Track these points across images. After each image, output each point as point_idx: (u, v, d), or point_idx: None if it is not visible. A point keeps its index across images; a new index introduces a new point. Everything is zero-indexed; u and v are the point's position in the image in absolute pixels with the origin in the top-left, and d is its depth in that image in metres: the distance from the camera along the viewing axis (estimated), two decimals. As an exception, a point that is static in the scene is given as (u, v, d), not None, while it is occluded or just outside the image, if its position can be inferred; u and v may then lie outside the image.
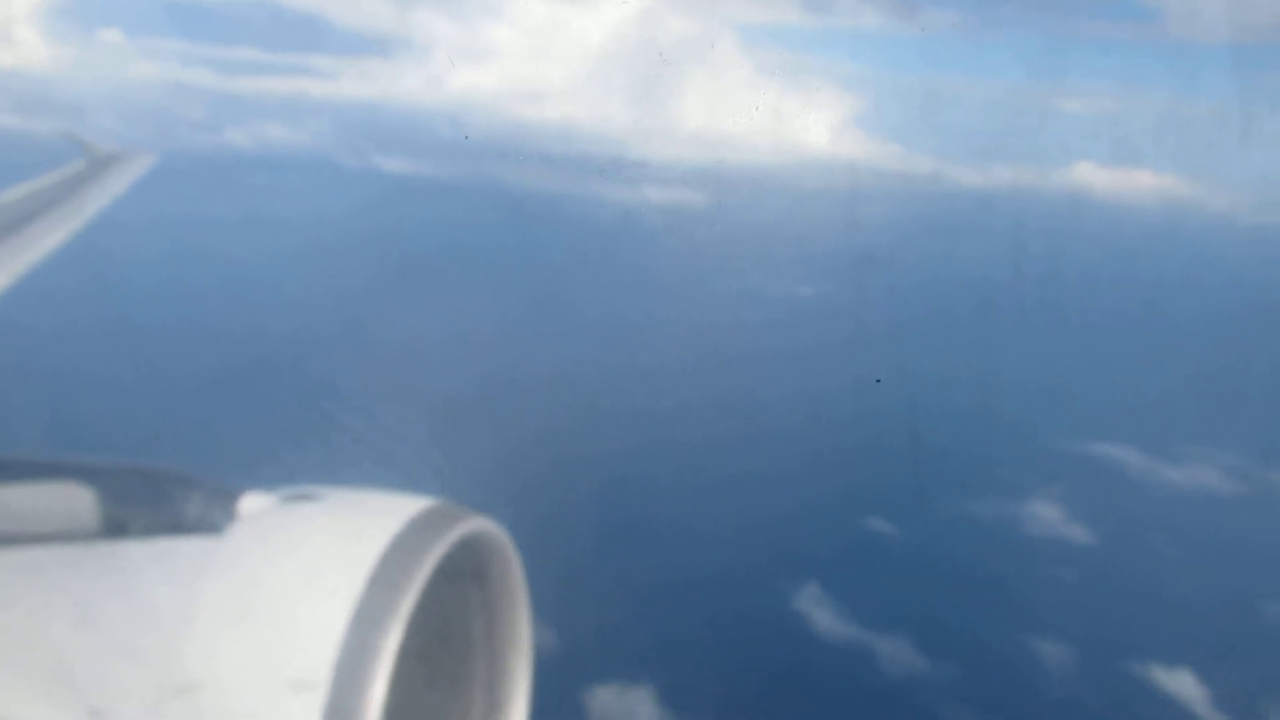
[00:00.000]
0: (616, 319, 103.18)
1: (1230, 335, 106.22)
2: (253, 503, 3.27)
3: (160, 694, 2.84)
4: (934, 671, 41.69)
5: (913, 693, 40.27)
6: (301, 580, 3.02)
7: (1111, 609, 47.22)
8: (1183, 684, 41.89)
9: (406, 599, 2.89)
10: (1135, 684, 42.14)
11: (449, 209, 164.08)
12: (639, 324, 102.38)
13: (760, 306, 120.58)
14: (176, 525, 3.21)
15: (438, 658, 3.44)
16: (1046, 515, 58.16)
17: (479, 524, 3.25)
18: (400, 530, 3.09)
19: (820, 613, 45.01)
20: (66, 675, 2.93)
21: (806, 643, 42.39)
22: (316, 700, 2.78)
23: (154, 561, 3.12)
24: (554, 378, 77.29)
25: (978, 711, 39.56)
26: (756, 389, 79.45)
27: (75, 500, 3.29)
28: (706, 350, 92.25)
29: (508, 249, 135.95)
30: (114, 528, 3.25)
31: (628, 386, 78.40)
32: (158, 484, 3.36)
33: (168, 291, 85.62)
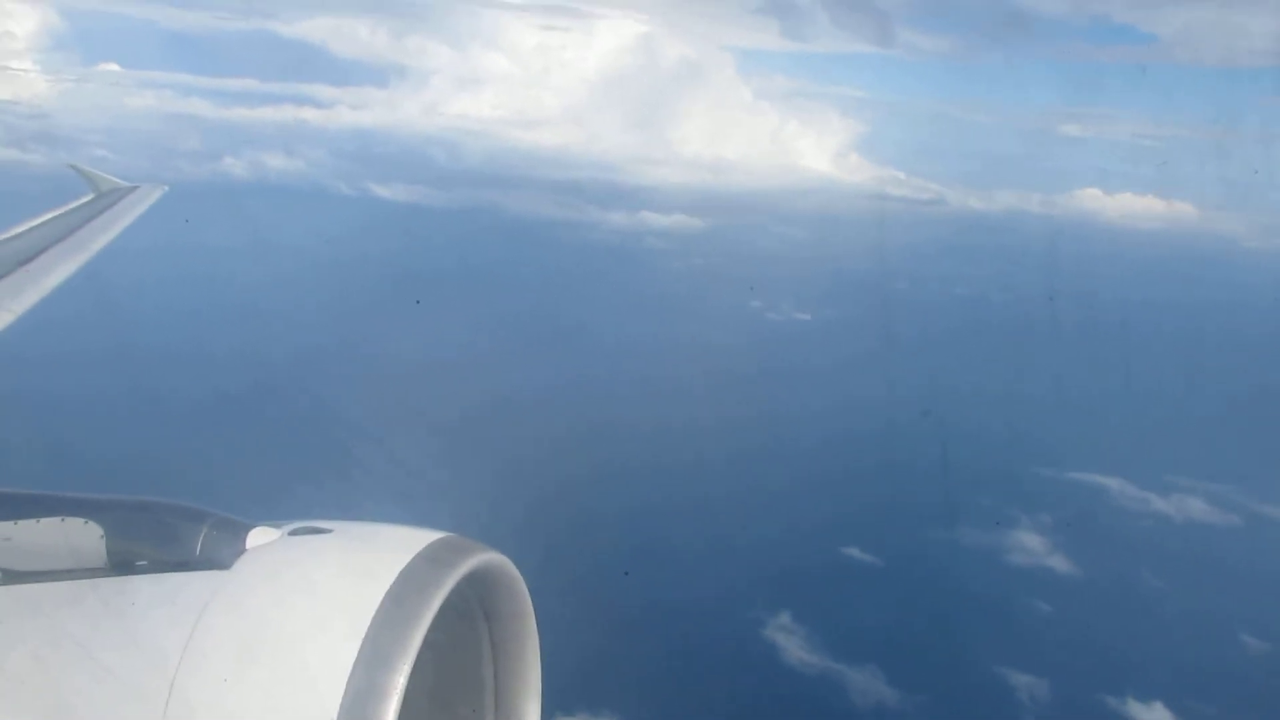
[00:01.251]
0: (613, 344, 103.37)
1: (1233, 362, 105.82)
2: (261, 536, 3.25)
3: None
4: (902, 702, 41.33)
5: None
6: (309, 618, 2.99)
7: (1087, 640, 46.66)
8: (1156, 717, 41.48)
9: (414, 637, 2.87)
10: (1106, 716, 41.65)
11: (446, 235, 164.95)
12: (635, 349, 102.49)
13: (757, 331, 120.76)
14: (184, 560, 3.19)
15: (446, 693, 3.43)
16: (1030, 544, 57.82)
17: (488, 557, 3.24)
18: (408, 565, 3.06)
19: (792, 642, 44.61)
20: (72, 713, 2.92)
21: (776, 672, 41.99)
22: None
23: (160, 598, 3.10)
24: (549, 403, 77.37)
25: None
26: (747, 414, 79.28)
27: (82, 536, 3.27)
28: (701, 375, 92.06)
29: (505, 275, 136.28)
30: (121, 563, 3.24)
31: (621, 411, 78.38)
32: (165, 519, 3.34)
33: (169, 321, 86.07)
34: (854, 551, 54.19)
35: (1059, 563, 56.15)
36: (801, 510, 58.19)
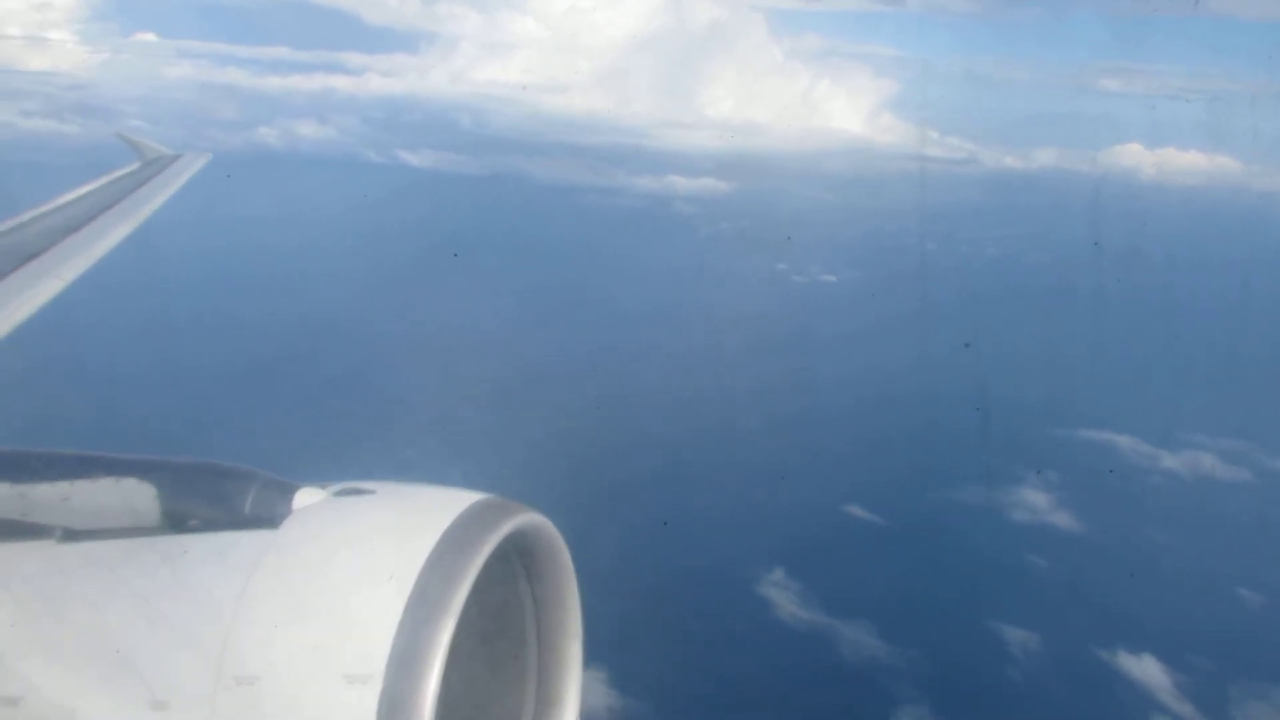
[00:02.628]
0: (637, 307, 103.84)
1: (1267, 320, 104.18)
2: (307, 497, 3.32)
3: (218, 686, 2.90)
4: (892, 657, 41.88)
5: (870, 677, 40.52)
6: (356, 574, 3.05)
7: (1083, 595, 46.93)
8: (1148, 670, 41.80)
9: (459, 592, 2.93)
10: (1098, 670, 42.07)
11: (474, 202, 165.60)
12: (658, 313, 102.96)
13: (781, 294, 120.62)
14: (234, 519, 3.26)
15: (490, 650, 3.49)
16: (1034, 502, 57.95)
17: (529, 518, 3.29)
18: (452, 524, 3.12)
19: (784, 597, 45.30)
20: (127, 666, 3.01)
21: (765, 626, 42.82)
22: (371, 693, 2.82)
23: (212, 555, 3.18)
24: (575, 367, 78.32)
25: (934, 696, 39.64)
26: (764, 376, 79.55)
27: (136, 495, 3.35)
28: (722, 338, 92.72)
29: (532, 241, 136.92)
30: (173, 522, 3.32)
31: (643, 375, 79.18)
32: (215, 479, 3.41)
33: (208, 288, 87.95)
34: (856, 510, 54.70)
35: (1062, 519, 56.28)
36: (810, 470, 58.84)
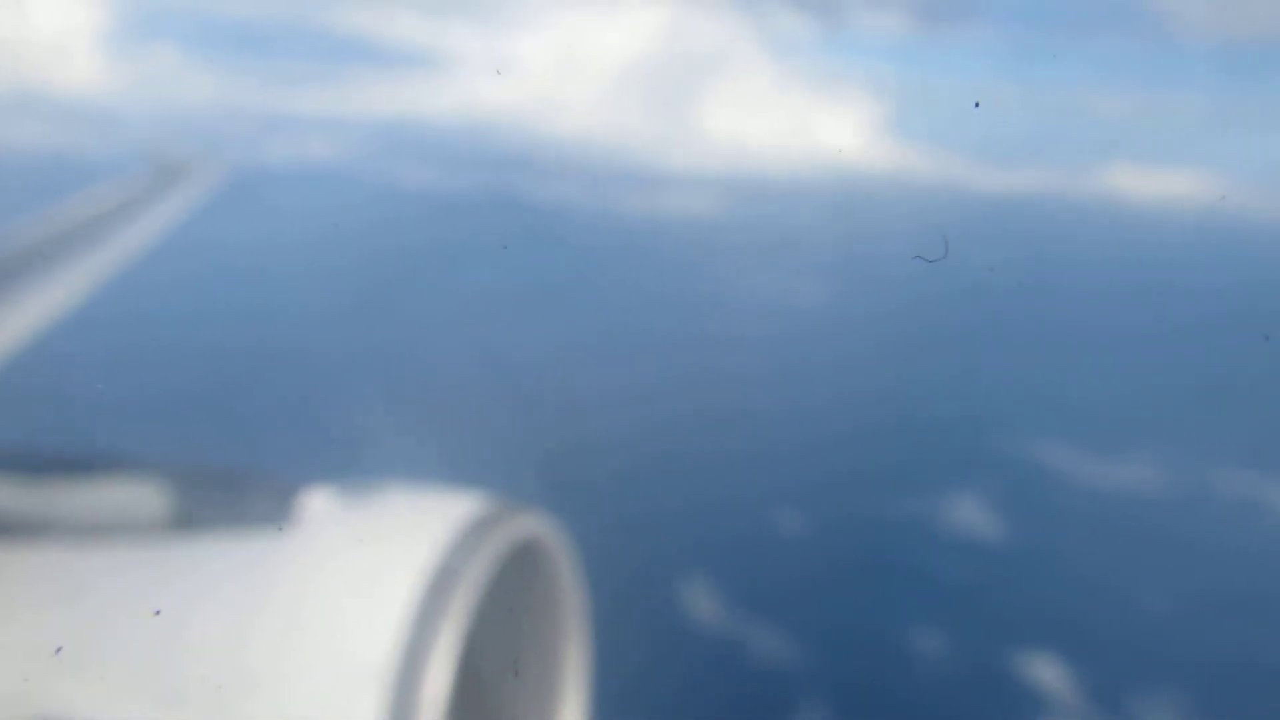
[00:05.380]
0: (623, 325, 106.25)
1: (1239, 342, 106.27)
2: (313, 498, 3.23)
3: (225, 685, 2.84)
4: (790, 660, 44.40)
5: (766, 680, 43.21)
6: (363, 576, 2.95)
7: (996, 602, 50.53)
8: (1043, 675, 44.43)
9: (467, 596, 2.83)
10: (994, 675, 45.15)
11: (472, 221, 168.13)
12: (645, 331, 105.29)
13: (768, 314, 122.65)
14: (242, 520, 3.22)
15: (496, 652, 3.38)
16: (965, 514, 60.54)
17: (535, 522, 3.19)
18: (460, 527, 3.02)
19: (694, 601, 47.62)
20: (135, 664, 2.93)
21: (674, 629, 45.24)
22: (378, 695, 2.71)
23: (220, 555, 3.09)
24: (564, 383, 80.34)
25: (825, 699, 42.42)
26: (738, 393, 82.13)
27: (146, 495, 3.29)
28: (706, 356, 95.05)
29: (526, 260, 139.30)
30: (180, 522, 3.27)
31: (624, 391, 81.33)
32: (224, 480, 3.35)
33: (207, 299, 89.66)
34: (783, 517, 57.55)
35: (990, 530, 59.02)
36: (747, 480, 62.12)
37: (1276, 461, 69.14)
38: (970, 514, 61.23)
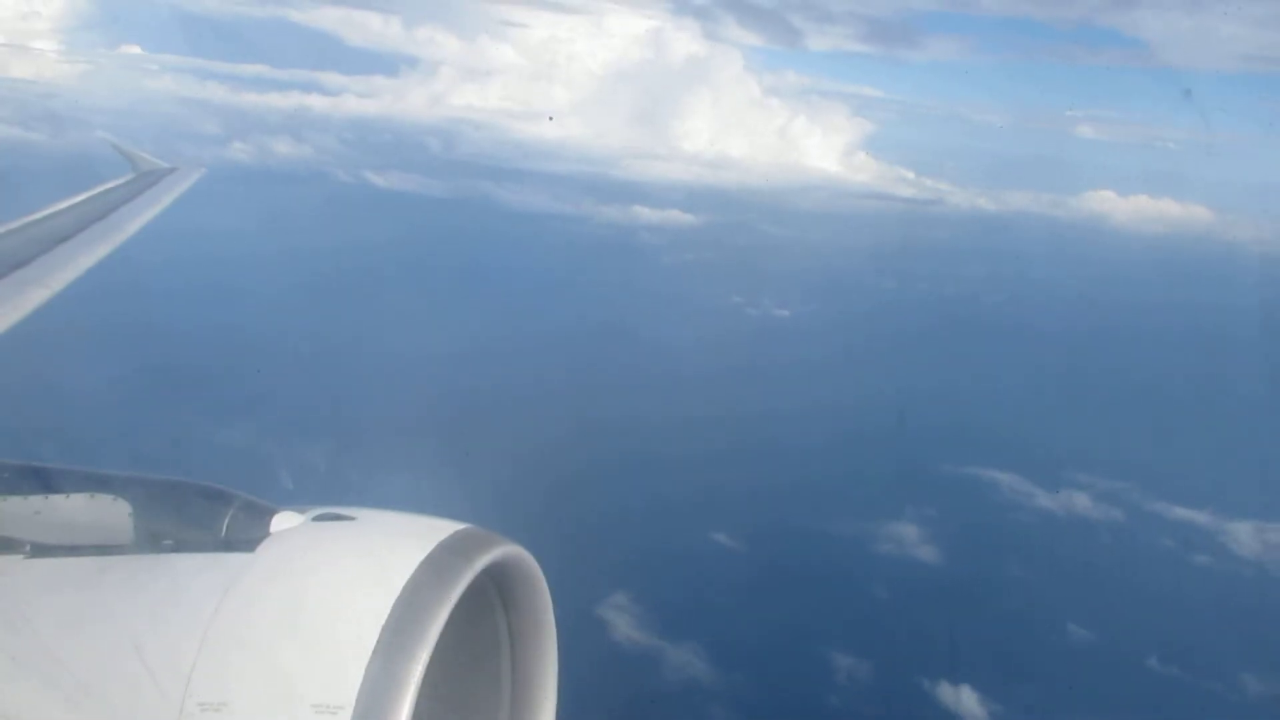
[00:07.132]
0: (589, 333, 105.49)
1: (1209, 365, 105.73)
2: (285, 521, 3.25)
3: (184, 711, 2.81)
4: (714, 680, 42.80)
5: (687, 699, 41.51)
6: (330, 602, 2.98)
7: (925, 627, 47.98)
8: (964, 702, 42.89)
9: (434, 624, 2.86)
10: (917, 699, 43.15)
11: (440, 225, 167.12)
12: (611, 339, 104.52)
13: (733, 326, 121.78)
14: (210, 541, 3.19)
15: (464, 683, 3.41)
16: (904, 535, 59.04)
17: (507, 549, 3.24)
18: (429, 554, 3.05)
19: (622, 619, 46.23)
20: (94, 688, 2.90)
21: (599, 648, 43.08)
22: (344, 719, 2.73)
23: (185, 576, 3.09)
24: (531, 390, 79.11)
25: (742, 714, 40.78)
26: (694, 404, 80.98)
27: (110, 512, 3.26)
28: (668, 366, 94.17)
29: (493, 265, 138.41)
30: (147, 541, 3.24)
31: (588, 400, 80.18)
32: (192, 499, 3.33)
33: (179, 303, 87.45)
34: (721, 537, 55.70)
35: (926, 553, 57.47)
36: (690, 497, 59.47)
37: (1226, 495, 68.30)
38: (908, 531, 59.44)
